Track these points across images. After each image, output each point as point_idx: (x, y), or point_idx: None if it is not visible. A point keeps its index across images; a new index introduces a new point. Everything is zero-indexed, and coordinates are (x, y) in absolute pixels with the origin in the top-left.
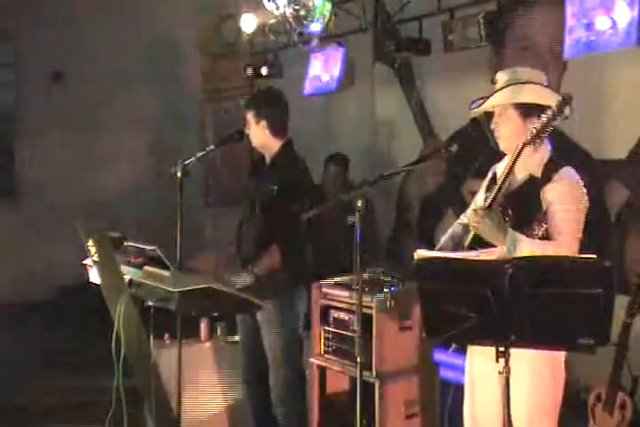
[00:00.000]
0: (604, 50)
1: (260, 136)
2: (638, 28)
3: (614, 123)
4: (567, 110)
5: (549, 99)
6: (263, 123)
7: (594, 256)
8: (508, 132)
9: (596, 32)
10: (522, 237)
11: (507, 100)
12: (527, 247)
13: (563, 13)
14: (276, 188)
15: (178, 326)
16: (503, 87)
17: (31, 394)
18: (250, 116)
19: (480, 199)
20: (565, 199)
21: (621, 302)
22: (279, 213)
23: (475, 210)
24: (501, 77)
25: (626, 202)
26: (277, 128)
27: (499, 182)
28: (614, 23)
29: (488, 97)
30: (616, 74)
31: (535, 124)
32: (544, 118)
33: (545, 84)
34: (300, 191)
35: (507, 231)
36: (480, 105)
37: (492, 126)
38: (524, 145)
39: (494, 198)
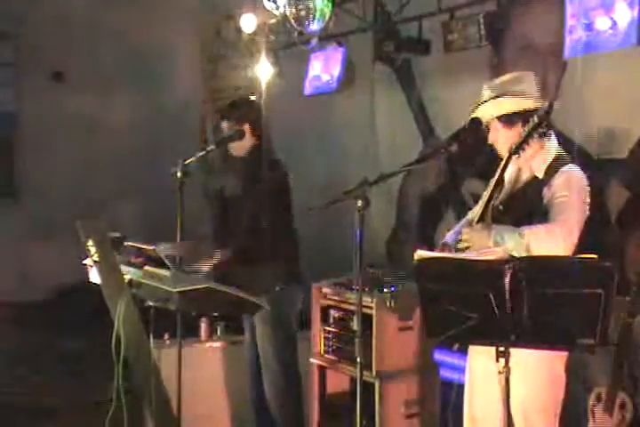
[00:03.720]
0: (604, 50)
1: (252, 144)
2: (638, 28)
3: (614, 123)
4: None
5: (526, 104)
6: (257, 133)
7: (594, 256)
8: (498, 140)
9: (596, 32)
10: (505, 227)
11: (488, 115)
12: (512, 233)
13: (562, 13)
14: (266, 186)
15: (178, 326)
16: (482, 103)
17: (31, 394)
18: (246, 128)
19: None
20: (565, 189)
21: (621, 302)
22: (272, 212)
23: (469, 225)
24: (484, 91)
25: (626, 202)
26: (259, 133)
27: (487, 193)
28: (614, 23)
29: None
30: (616, 74)
31: (520, 133)
32: (526, 129)
33: (532, 83)
34: (284, 189)
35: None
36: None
37: (488, 137)
38: (510, 155)
39: (484, 211)
